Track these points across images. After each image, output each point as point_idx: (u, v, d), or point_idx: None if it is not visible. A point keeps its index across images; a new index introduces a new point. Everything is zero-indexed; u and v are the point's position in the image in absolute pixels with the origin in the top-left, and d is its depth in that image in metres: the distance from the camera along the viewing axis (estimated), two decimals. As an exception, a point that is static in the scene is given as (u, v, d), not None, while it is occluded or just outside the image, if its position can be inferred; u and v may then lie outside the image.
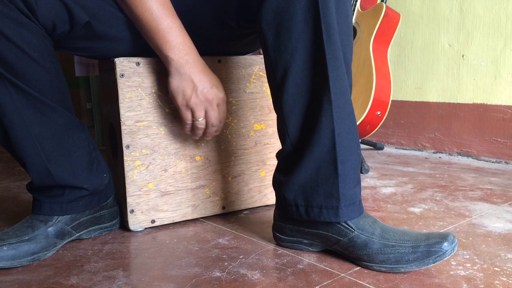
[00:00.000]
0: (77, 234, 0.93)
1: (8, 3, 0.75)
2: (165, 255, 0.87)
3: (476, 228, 0.98)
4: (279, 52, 0.77)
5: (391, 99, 1.48)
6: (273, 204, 1.11)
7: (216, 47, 1.01)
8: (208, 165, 1.05)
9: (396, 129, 1.96)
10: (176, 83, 0.87)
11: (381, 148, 1.92)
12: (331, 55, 0.74)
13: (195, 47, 0.88)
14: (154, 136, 0.97)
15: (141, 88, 0.95)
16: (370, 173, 1.51)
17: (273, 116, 1.10)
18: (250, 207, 1.12)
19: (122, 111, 0.94)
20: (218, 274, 0.79)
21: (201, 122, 0.91)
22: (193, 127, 0.92)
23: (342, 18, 0.75)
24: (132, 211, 0.97)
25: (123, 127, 0.94)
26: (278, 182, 0.85)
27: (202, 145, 1.03)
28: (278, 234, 0.89)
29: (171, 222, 1.02)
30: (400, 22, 1.57)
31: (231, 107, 1.05)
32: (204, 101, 0.89)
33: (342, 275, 0.77)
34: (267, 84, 1.08)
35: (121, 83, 0.93)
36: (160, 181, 0.99)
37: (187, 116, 0.90)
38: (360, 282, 0.75)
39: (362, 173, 1.50)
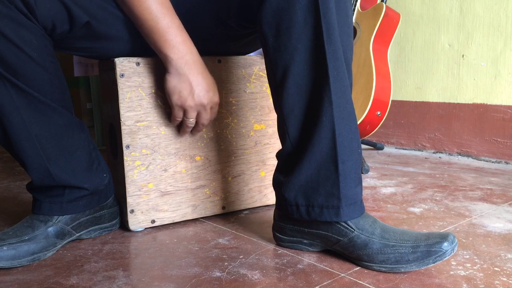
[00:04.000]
0: (77, 234, 0.93)
1: (8, 3, 0.75)
2: (165, 255, 0.87)
3: (476, 228, 0.98)
4: (279, 52, 0.77)
5: (391, 99, 1.48)
6: (273, 204, 1.11)
7: (216, 47, 1.01)
8: (208, 165, 1.05)
9: (396, 129, 1.96)
10: (173, 82, 0.88)
11: (381, 148, 1.92)
12: (332, 55, 0.74)
13: (194, 47, 0.88)
14: (154, 136, 0.97)
15: (141, 88, 0.95)
16: (370, 173, 1.51)
17: (273, 116, 1.10)
18: (250, 207, 1.12)
19: (122, 111, 0.94)
20: (218, 274, 0.79)
21: (191, 121, 0.93)
22: (182, 124, 0.95)
23: (343, 18, 0.75)
24: (132, 211, 0.97)
25: (123, 127, 0.94)
26: (278, 182, 0.85)
27: (202, 145, 1.03)
28: (278, 234, 0.89)
29: (171, 222, 1.02)
30: (400, 22, 1.57)
31: (231, 107, 1.05)
32: (198, 105, 0.90)
33: (342, 275, 0.77)
34: (267, 84, 1.08)
35: (121, 83, 0.93)
36: (160, 181, 0.99)
37: (179, 114, 0.92)
38: (360, 282, 0.75)
39: (362, 173, 1.50)
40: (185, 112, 0.91)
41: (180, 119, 0.94)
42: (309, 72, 0.77)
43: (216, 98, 0.93)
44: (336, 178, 0.78)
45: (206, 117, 0.94)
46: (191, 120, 0.93)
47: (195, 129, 0.97)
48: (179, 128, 0.98)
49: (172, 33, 0.85)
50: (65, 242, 0.91)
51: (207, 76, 0.90)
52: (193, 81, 0.88)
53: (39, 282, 0.77)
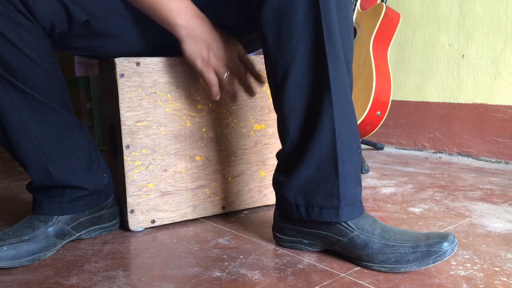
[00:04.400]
0: (77, 234, 0.93)
1: (6, 3, 0.75)
2: (165, 255, 0.87)
3: (476, 228, 0.98)
4: (280, 52, 0.77)
5: (391, 99, 1.48)
6: (273, 204, 1.11)
7: (216, 47, 1.01)
8: (208, 165, 1.05)
9: (396, 129, 1.96)
10: (191, 47, 0.87)
11: (381, 148, 1.92)
12: (332, 55, 0.74)
13: (197, 8, 0.88)
14: (154, 136, 0.97)
15: (141, 88, 0.95)
16: (370, 173, 1.51)
17: (273, 116, 1.10)
18: (250, 207, 1.12)
19: (122, 111, 0.94)
20: (218, 274, 0.79)
21: (226, 77, 0.91)
22: (222, 86, 0.92)
23: (343, 18, 0.75)
24: (132, 211, 0.97)
25: (123, 127, 0.94)
26: (278, 182, 0.85)
27: (202, 145, 1.03)
28: (278, 234, 0.89)
29: (171, 222, 1.02)
30: (400, 22, 1.57)
31: (231, 107, 1.05)
32: (223, 57, 0.89)
33: (342, 275, 0.77)
34: (267, 84, 1.08)
35: (121, 83, 0.93)
36: (160, 181, 0.99)
37: (212, 77, 0.90)
38: (360, 282, 0.75)
39: (362, 173, 1.50)
40: (215, 71, 0.90)
41: (216, 81, 0.91)
42: (309, 72, 0.77)
43: (237, 46, 0.91)
44: (335, 179, 0.78)
45: (239, 69, 0.92)
46: (225, 76, 0.90)
47: (242, 83, 0.95)
48: (221, 93, 0.94)
49: (175, 0, 0.85)
50: (65, 242, 0.91)
51: (219, 31, 0.90)
52: (207, 38, 0.87)
53: (39, 282, 0.77)
